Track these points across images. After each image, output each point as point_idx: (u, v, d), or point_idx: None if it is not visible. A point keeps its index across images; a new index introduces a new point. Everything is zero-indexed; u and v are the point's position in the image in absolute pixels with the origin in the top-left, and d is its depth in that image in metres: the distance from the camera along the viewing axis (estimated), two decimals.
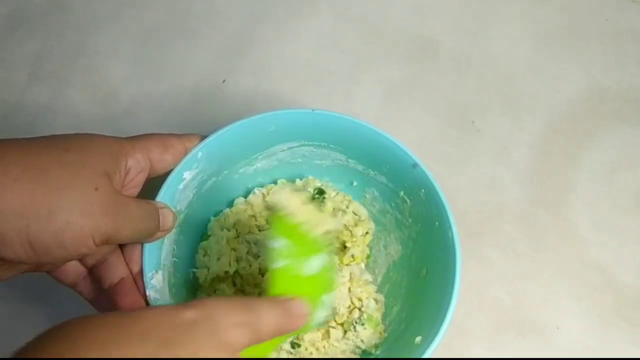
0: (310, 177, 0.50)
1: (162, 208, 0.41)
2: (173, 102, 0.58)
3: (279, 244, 0.38)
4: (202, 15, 0.61)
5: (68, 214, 0.33)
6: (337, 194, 0.49)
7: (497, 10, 0.61)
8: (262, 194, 0.50)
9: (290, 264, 0.37)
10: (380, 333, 0.46)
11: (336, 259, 0.46)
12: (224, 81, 0.59)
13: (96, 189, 0.35)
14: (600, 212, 0.54)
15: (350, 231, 0.48)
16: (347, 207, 0.49)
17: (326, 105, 0.58)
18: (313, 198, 0.48)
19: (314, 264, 0.39)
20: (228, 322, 0.31)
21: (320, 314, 0.38)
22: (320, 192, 0.49)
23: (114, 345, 0.28)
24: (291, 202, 0.39)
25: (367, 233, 0.49)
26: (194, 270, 0.47)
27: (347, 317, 0.46)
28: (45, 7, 0.62)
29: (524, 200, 0.54)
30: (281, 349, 0.45)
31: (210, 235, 0.48)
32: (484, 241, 0.53)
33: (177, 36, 0.61)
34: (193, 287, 0.48)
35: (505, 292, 0.51)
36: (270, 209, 0.40)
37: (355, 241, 0.48)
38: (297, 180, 0.50)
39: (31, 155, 0.34)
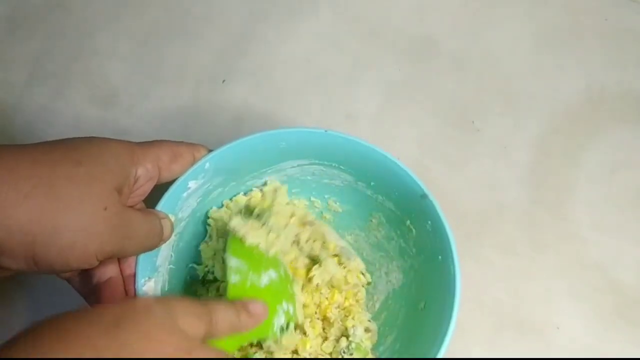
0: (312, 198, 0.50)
1: (162, 219, 0.41)
2: (173, 102, 0.58)
3: (235, 262, 0.41)
4: (202, 15, 0.61)
5: (74, 234, 0.33)
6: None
7: (497, 10, 0.61)
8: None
9: (246, 278, 0.40)
10: None
11: (290, 273, 0.45)
12: (223, 81, 0.59)
13: (105, 209, 0.35)
14: (600, 212, 0.54)
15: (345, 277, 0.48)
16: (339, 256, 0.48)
17: (326, 105, 0.58)
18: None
19: (269, 276, 0.42)
20: (183, 310, 0.33)
21: (278, 321, 0.41)
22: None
23: (72, 335, 0.29)
24: (245, 227, 0.42)
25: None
26: (194, 265, 0.48)
27: (335, 346, 0.46)
28: (45, 7, 0.62)
29: (524, 200, 0.54)
30: None
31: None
32: (484, 241, 0.53)
33: (177, 36, 0.61)
34: (189, 294, 0.47)
35: (505, 292, 0.51)
36: (228, 232, 0.43)
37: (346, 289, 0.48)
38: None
39: (43, 170, 0.34)
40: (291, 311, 0.42)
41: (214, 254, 0.48)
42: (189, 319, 0.33)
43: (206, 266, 0.48)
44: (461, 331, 0.49)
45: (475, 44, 0.60)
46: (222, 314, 0.35)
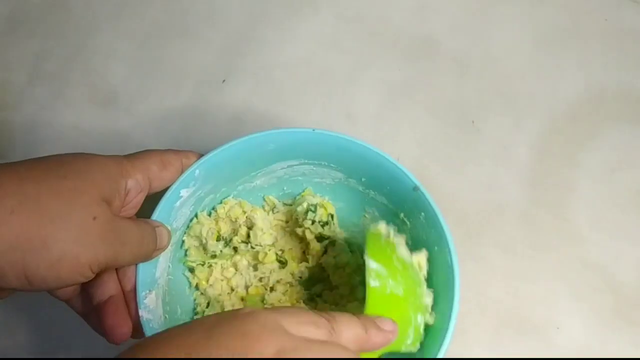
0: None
1: (157, 227, 0.40)
2: (173, 102, 0.58)
3: (375, 266, 0.38)
4: (202, 15, 0.61)
5: (63, 245, 0.33)
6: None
7: (497, 10, 0.61)
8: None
9: (385, 284, 0.38)
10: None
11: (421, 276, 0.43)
12: (223, 81, 0.59)
13: (94, 218, 0.34)
14: (600, 212, 0.54)
15: None
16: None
17: (326, 105, 0.58)
18: None
19: (405, 283, 0.39)
20: (295, 317, 0.31)
21: (409, 337, 0.38)
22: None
23: (169, 340, 0.30)
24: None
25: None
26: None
27: None
28: (45, 7, 0.62)
29: (524, 200, 0.54)
30: None
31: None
32: (484, 241, 0.53)
33: (177, 36, 0.61)
34: (188, 306, 0.47)
35: (505, 292, 0.51)
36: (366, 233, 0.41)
37: None
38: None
39: (28, 185, 0.33)
40: (420, 322, 0.39)
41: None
42: (303, 327, 0.31)
43: None
44: (461, 331, 0.49)
45: (475, 44, 0.60)
46: (346, 325, 0.33)
